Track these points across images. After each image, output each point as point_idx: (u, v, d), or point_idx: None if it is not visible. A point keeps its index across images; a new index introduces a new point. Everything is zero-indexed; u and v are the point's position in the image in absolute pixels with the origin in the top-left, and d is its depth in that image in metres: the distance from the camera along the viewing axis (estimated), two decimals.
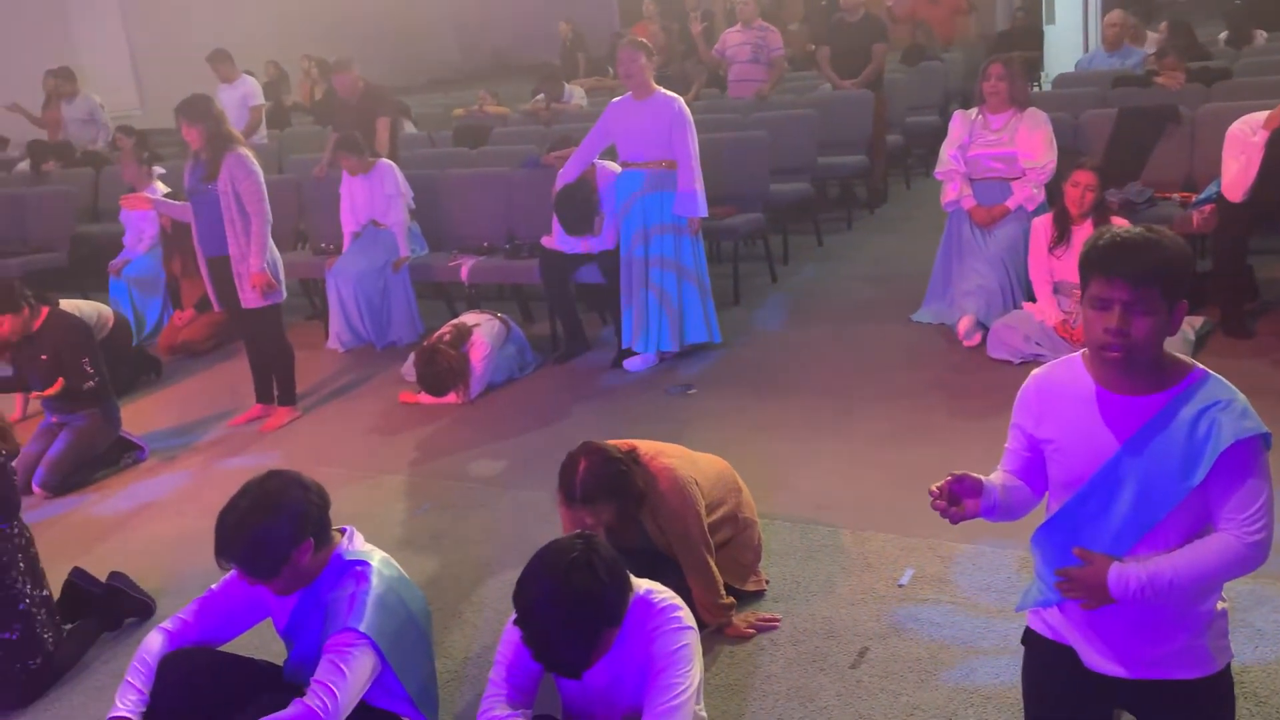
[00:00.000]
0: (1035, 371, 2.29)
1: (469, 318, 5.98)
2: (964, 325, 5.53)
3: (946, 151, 5.78)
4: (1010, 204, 5.59)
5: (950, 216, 5.85)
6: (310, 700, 2.50)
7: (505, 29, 18.77)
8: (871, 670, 3.10)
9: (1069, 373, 2.19)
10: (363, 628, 2.59)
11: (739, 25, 8.87)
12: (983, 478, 2.23)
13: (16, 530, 3.42)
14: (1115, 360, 2.02)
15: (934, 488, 2.15)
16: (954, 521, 2.18)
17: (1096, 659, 2.18)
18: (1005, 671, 3.01)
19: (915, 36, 10.81)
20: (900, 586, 3.50)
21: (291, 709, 2.50)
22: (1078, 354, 2.22)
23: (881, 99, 8.44)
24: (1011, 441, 2.33)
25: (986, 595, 3.40)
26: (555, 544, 2.43)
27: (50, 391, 5.07)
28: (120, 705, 2.61)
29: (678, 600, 2.51)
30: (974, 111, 5.75)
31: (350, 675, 2.54)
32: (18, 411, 5.95)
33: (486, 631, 3.55)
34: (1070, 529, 2.15)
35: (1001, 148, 5.61)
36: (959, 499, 2.17)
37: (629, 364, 5.87)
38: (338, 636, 2.59)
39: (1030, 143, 5.54)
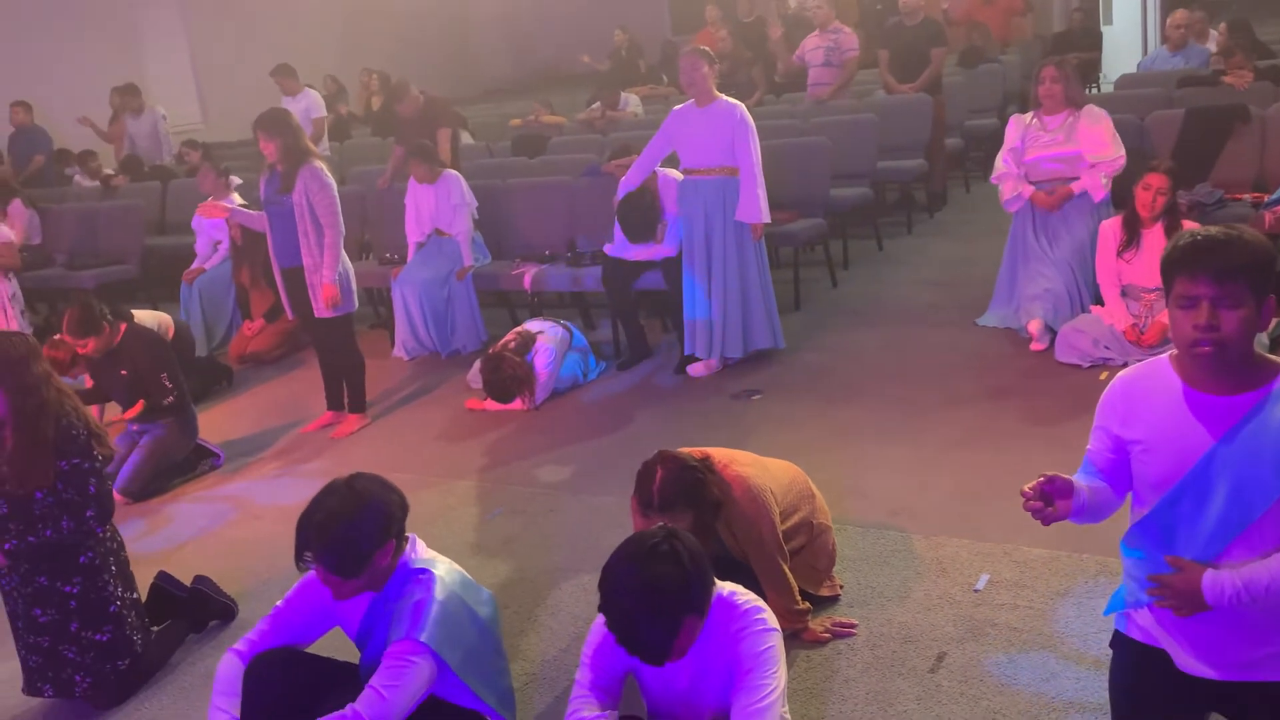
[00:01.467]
0: (1121, 373, 2.29)
1: (533, 325, 6.05)
2: (1034, 328, 5.48)
3: (1001, 156, 5.75)
4: (1075, 186, 5.50)
5: (1014, 220, 5.81)
6: (360, 706, 2.55)
7: (556, 39, 18.88)
8: (950, 675, 3.10)
9: (1156, 374, 2.19)
10: (423, 638, 2.63)
11: (816, 30, 8.87)
12: (1072, 479, 2.23)
13: (109, 534, 3.51)
14: (1206, 356, 2.02)
15: (1027, 488, 2.15)
16: (1046, 523, 2.17)
17: (1190, 661, 2.17)
18: (1086, 677, 3.00)
19: (972, 39, 10.73)
20: (976, 592, 3.49)
21: (342, 713, 2.55)
22: (1163, 356, 2.21)
23: (940, 102, 8.40)
24: (1095, 443, 2.32)
25: (1064, 601, 3.38)
26: (639, 534, 2.47)
27: (131, 414, 5.19)
28: None
29: (761, 602, 2.53)
30: (1029, 116, 5.70)
31: (404, 683, 2.59)
32: None
33: (562, 635, 3.59)
34: (1162, 530, 2.15)
35: (1059, 148, 5.54)
36: (1051, 499, 2.16)
37: (692, 370, 5.90)
38: (399, 645, 2.64)
39: (1093, 137, 5.48)
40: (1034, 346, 5.49)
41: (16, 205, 8.91)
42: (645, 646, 2.34)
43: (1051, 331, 5.46)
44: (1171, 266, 2.05)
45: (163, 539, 4.74)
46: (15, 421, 3.30)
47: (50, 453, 3.29)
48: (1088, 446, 2.34)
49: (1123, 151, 5.44)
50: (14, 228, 8.32)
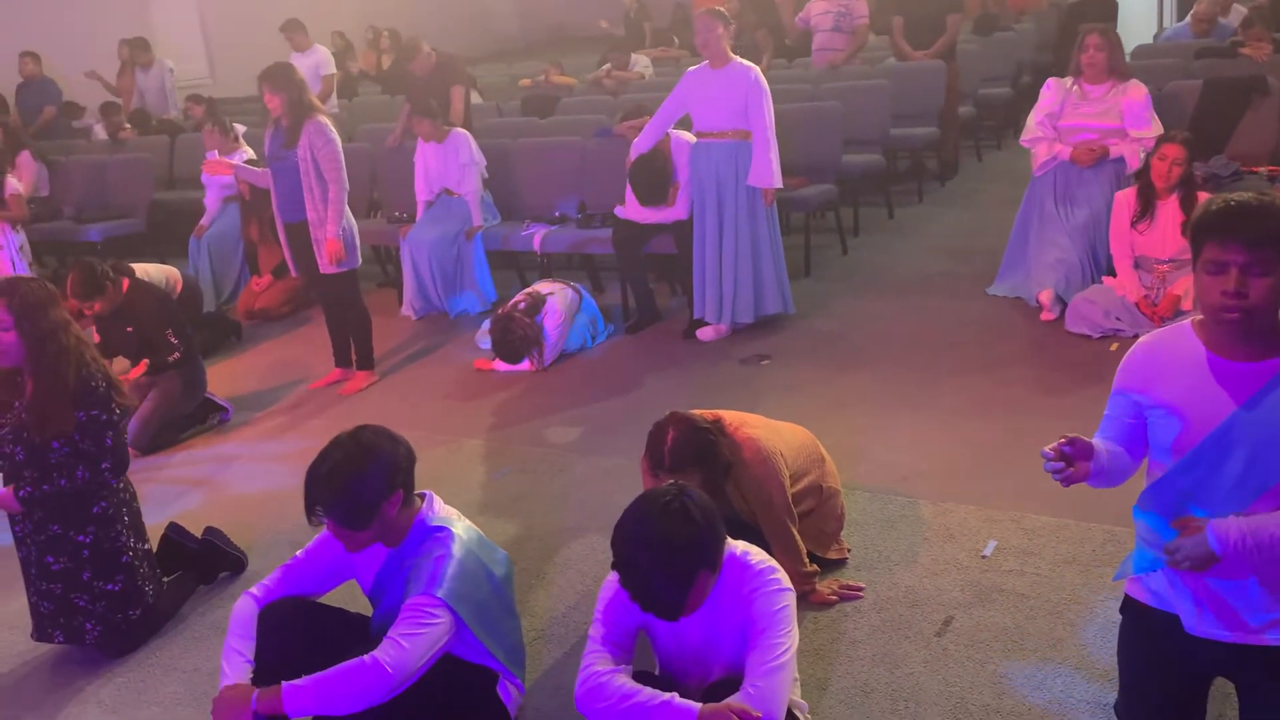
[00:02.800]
0: (1142, 339, 2.28)
1: (543, 286, 6.04)
2: (1045, 298, 5.47)
3: (1035, 118, 5.69)
4: (1113, 151, 5.47)
5: (1031, 186, 5.78)
6: (380, 654, 2.57)
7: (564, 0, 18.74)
8: (957, 639, 3.12)
9: (1178, 340, 2.19)
10: (441, 594, 2.65)
11: None
12: (1091, 441, 2.23)
13: (122, 485, 3.52)
14: (1233, 322, 2.02)
15: (1048, 449, 2.15)
16: (1066, 484, 2.17)
17: (1203, 624, 2.18)
18: (1093, 642, 3.02)
19: (987, 6, 10.64)
20: (984, 558, 3.51)
21: (361, 659, 2.57)
22: (1186, 321, 2.21)
23: (954, 70, 8.33)
24: (1112, 408, 2.32)
25: (1071, 568, 3.40)
26: (652, 490, 2.48)
27: (138, 371, 5.20)
28: (229, 673, 2.68)
29: (774, 562, 2.54)
30: (1069, 81, 5.64)
31: (421, 637, 2.60)
32: None
33: (570, 592, 3.62)
34: (1178, 494, 2.15)
35: (1101, 120, 5.50)
36: (1072, 460, 2.16)
37: (701, 334, 5.89)
38: (417, 599, 2.65)
39: (1135, 112, 5.44)
40: (1044, 316, 5.48)
41: (25, 157, 8.87)
42: (658, 602, 2.36)
43: (1062, 302, 5.45)
44: (1202, 231, 2.04)
45: (172, 491, 4.76)
46: (34, 367, 3.30)
47: (70, 400, 3.29)
48: (1105, 411, 2.34)
49: (1160, 130, 5.38)
50: (22, 180, 8.29)
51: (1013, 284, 5.89)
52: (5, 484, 3.40)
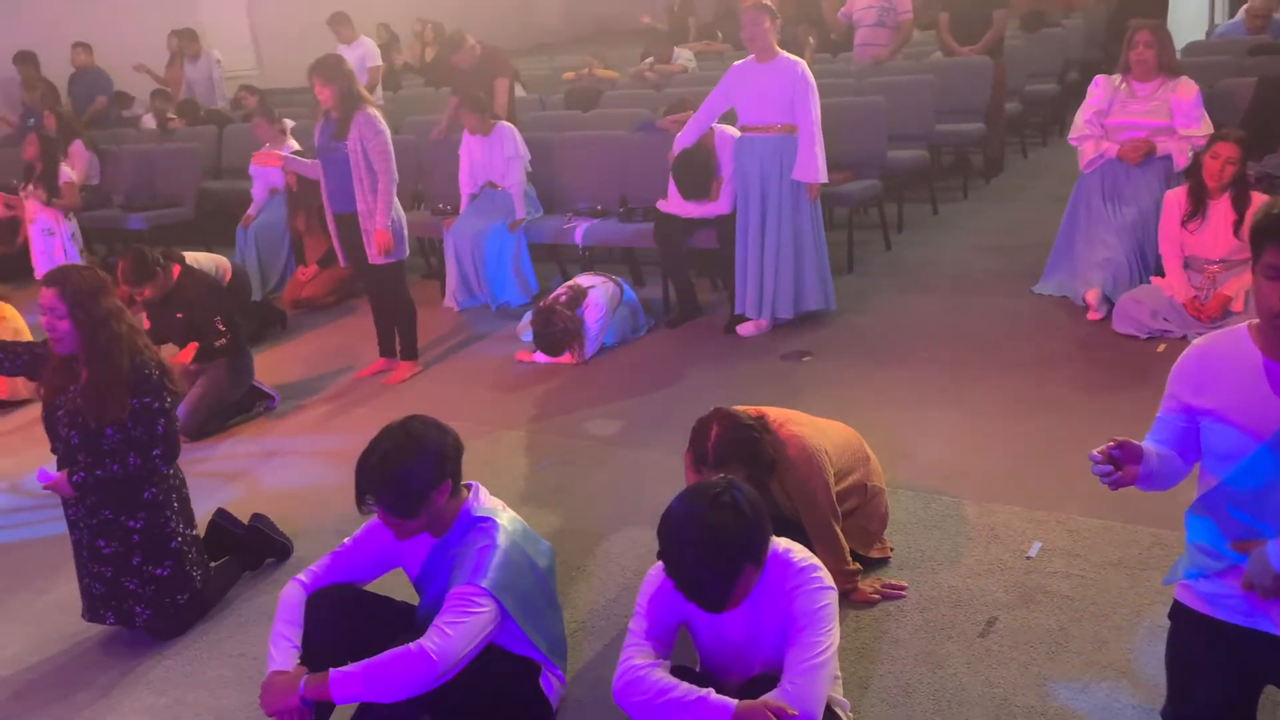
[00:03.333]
0: (1196, 341, 2.26)
1: (584, 280, 6.05)
2: (1092, 297, 5.41)
3: (1083, 116, 5.62)
4: (1160, 148, 5.41)
5: (1077, 185, 5.72)
6: (425, 642, 2.59)
7: None
8: (1000, 640, 3.10)
9: (1233, 344, 2.16)
10: (485, 584, 2.67)
11: None
12: (1141, 444, 2.21)
13: (172, 472, 3.58)
14: None
15: (1096, 452, 2.13)
16: (1114, 487, 2.16)
17: (1257, 616, 2.15)
18: (1139, 647, 2.99)
19: (1035, 2, 10.52)
20: (1028, 559, 3.48)
21: (407, 647, 2.60)
22: (1242, 325, 2.18)
23: (1000, 65, 8.25)
24: (1165, 411, 2.30)
25: (1118, 571, 3.36)
26: (700, 483, 2.49)
27: (186, 356, 5.28)
28: (276, 658, 2.71)
29: (816, 560, 2.54)
30: (1118, 78, 5.57)
31: (466, 626, 2.62)
32: None
33: (611, 585, 3.63)
34: (1231, 502, 2.13)
35: (1150, 118, 5.43)
36: (1120, 464, 2.14)
37: (742, 329, 5.89)
38: (462, 588, 2.67)
39: (1185, 110, 5.37)
40: (1090, 316, 5.42)
41: (78, 146, 9.01)
42: (704, 593, 2.36)
43: (1109, 301, 5.39)
44: (1263, 234, 2.01)
45: (219, 478, 4.83)
46: (89, 354, 3.36)
47: (125, 386, 3.35)
48: (1157, 413, 2.32)
49: (1211, 129, 5.30)
50: (74, 168, 8.42)
51: (1059, 282, 5.83)
52: (60, 468, 3.47)
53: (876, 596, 3.33)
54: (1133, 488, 2.21)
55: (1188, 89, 5.40)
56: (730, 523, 2.34)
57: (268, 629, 2.83)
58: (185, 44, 11.50)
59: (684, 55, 10.81)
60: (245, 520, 4.01)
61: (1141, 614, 3.13)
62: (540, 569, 2.89)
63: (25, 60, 10.89)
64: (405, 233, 5.60)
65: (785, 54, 5.57)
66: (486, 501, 2.90)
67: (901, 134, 7.31)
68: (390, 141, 5.38)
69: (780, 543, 2.55)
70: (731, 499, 2.37)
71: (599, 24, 19.18)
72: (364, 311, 6.25)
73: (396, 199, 5.47)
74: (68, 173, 7.83)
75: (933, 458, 4.24)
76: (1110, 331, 5.23)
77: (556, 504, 4.25)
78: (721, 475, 2.56)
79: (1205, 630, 2.26)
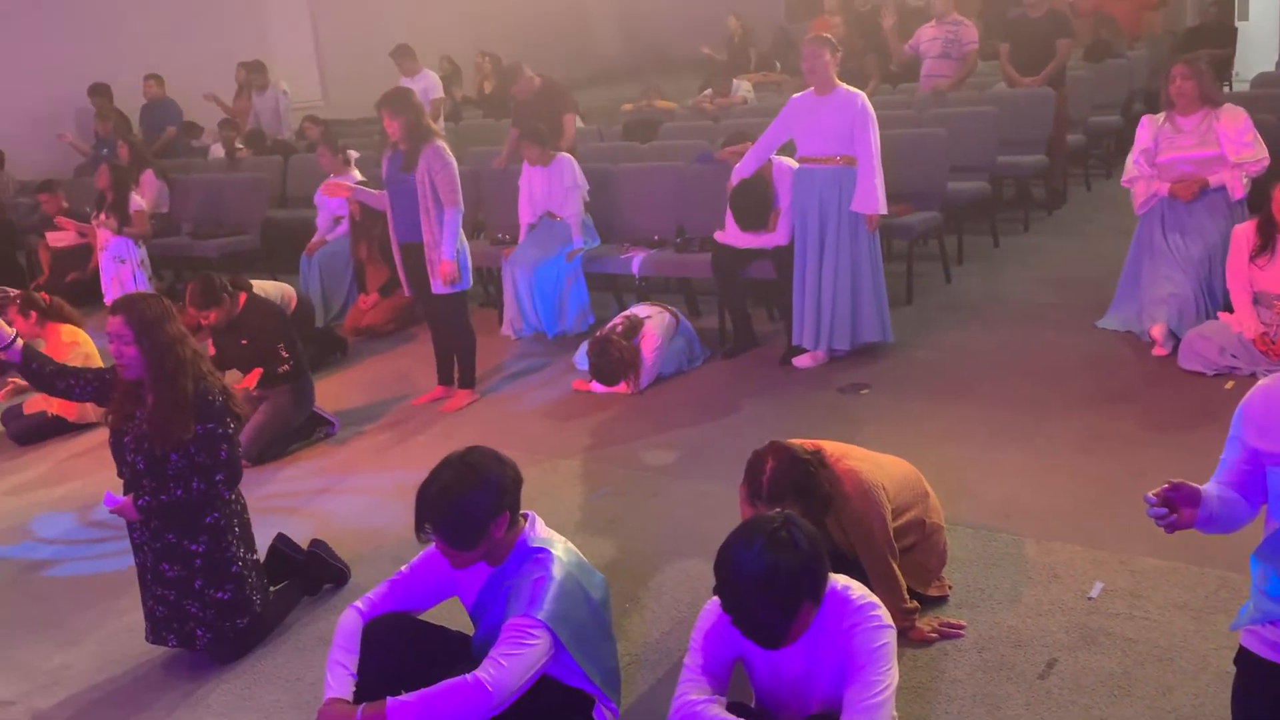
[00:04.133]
0: (1261, 383, 2.22)
1: (640, 310, 6.08)
2: (1158, 333, 5.32)
3: (1131, 157, 5.59)
4: (1213, 180, 5.32)
5: (1142, 220, 5.64)
6: (481, 673, 2.60)
7: (669, 24, 18.86)
8: (1061, 682, 3.04)
9: None
10: (541, 615, 2.67)
11: (934, 20, 8.73)
12: (1200, 487, 2.17)
13: (234, 497, 3.64)
14: None
15: (1151, 495, 2.09)
16: (1170, 530, 2.12)
17: None
18: (1205, 693, 2.91)
19: (1099, 32, 10.42)
20: (1090, 600, 3.41)
21: (463, 678, 2.61)
22: None
23: (1063, 97, 8.18)
24: (1229, 452, 2.25)
25: (1182, 614, 3.29)
26: (758, 517, 2.48)
27: (250, 382, 5.39)
28: (333, 685, 2.73)
29: (875, 598, 2.51)
30: (1160, 117, 5.52)
31: (522, 657, 2.63)
32: None
33: (665, 618, 3.62)
34: None
35: (1196, 150, 5.36)
36: (1177, 507, 2.11)
37: (798, 361, 5.86)
38: (518, 620, 2.68)
39: (1234, 137, 5.28)
40: (1156, 352, 5.33)
41: (149, 175, 9.25)
42: (762, 630, 2.34)
43: (1175, 337, 5.29)
44: None
45: (279, 503, 4.90)
46: (154, 379, 3.43)
47: (190, 411, 3.42)
48: (1222, 454, 2.27)
49: (1266, 153, 5.22)
50: (145, 197, 8.65)
51: (1124, 317, 5.74)
52: (125, 492, 3.54)
53: (934, 635, 3.28)
54: (1192, 530, 2.17)
55: (1233, 115, 5.31)
56: (788, 559, 2.32)
57: (324, 655, 2.86)
58: (253, 75, 11.78)
59: (743, 86, 10.86)
60: (304, 545, 4.06)
61: (1207, 659, 3.05)
62: (595, 600, 2.89)
63: (99, 92, 11.24)
64: (469, 263, 5.67)
65: (845, 86, 5.57)
66: (542, 532, 2.91)
67: (962, 165, 7.26)
68: (457, 173, 5.47)
69: (839, 579, 2.53)
70: (789, 535, 2.35)
71: (658, 54, 19.29)
72: (423, 339, 6.32)
73: (461, 230, 5.54)
74: (138, 201, 8.04)
75: (993, 494, 4.18)
76: (1176, 368, 5.13)
77: (610, 534, 4.26)
78: (778, 510, 2.54)
79: (1272, 677, 2.20)
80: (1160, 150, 5.46)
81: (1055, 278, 6.85)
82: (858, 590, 2.51)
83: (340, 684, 2.74)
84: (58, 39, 12.19)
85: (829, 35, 5.69)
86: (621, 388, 5.79)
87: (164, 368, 3.43)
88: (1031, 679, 3.07)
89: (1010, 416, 4.90)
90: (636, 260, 6.76)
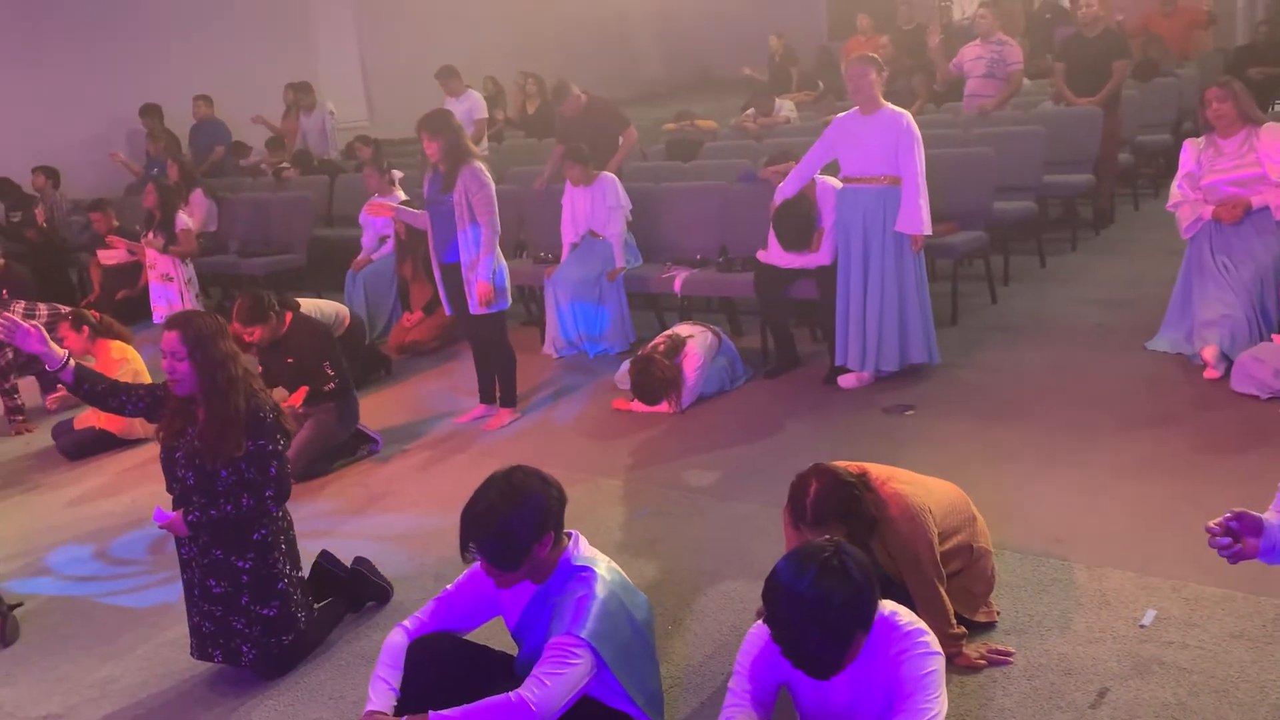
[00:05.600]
0: None
1: (683, 329, 6.07)
2: (1209, 355, 5.22)
3: (1175, 182, 5.53)
4: (1256, 201, 5.24)
5: (1190, 243, 5.55)
6: (524, 691, 2.60)
7: (711, 43, 18.92)
8: (1113, 712, 2.98)
9: None
10: (584, 634, 2.67)
11: (978, 40, 8.68)
12: (1262, 516, 2.12)
13: (281, 514, 3.66)
14: None
15: (1213, 524, 2.05)
16: (1233, 561, 2.08)
17: None
18: None
19: (1148, 51, 10.31)
20: (1142, 627, 3.35)
21: (506, 696, 2.61)
22: None
23: (1116, 117, 8.09)
24: None
25: (1239, 643, 3.21)
26: (808, 545, 2.45)
27: (296, 399, 5.44)
28: (374, 699, 2.75)
29: (923, 624, 2.48)
30: (1201, 140, 5.45)
31: (565, 676, 2.62)
32: None
33: (708, 640, 3.59)
34: None
35: (1239, 170, 5.28)
36: (1240, 537, 2.06)
37: (843, 381, 5.82)
38: (560, 639, 2.68)
39: (1275, 155, 5.19)
40: (1208, 374, 5.23)
41: (198, 195, 9.39)
42: (812, 660, 2.32)
43: (1227, 359, 5.19)
44: None
45: (323, 520, 4.93)
46: (206, 395, 3.46)
47: (241, 427, 3.45)
48: None
49: None
50: (194, 216, 8.77)
51: (1174, 339, 5.65)
52: (175, 508, 3.57)
53: (982, 662, 3.23)
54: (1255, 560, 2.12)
55: (1274, 133, 5.23)
56: (841, 589, 2.29)
57: (366, 673, 2.87)
58: (301, 96, 11.93)
59: (786, 106, 10.84)
60: (348, 562, 4.08)
61: (1266, 690, 2.98)
62: (638, 621, 2.88)
63: (150, 113, 11.44)
64: (507, 284, 5.68)
65: (890, 106, 5.54)
66: (586, 551, 2.91)
67: (1009, 185, 7.20)
68: (494, 194, 5.49)
69: (886, 605, 2.50)
70: (840, 564, 2.32)
71: (701, 74, 19.36)
72: (466, 357, 6.35)
73: (499, 250, 5.56)
74: (185, 220, 8.15)
75: (1042, 519, 4.12)
76: (1229, 390, 5.04)
77: (652, 555, 4.24)
78: (827, 537, 2.51)
79: None
80: (1203, 173, 5.39)
81: (1103, 298, 6.76)
82: (905, 616, 2.47)
83: (382, 698, 2.75)
84: (111, 61, 12.43)
85: (874, 55, 5.65)
86: (663, 407, 5.77)
87: (216, 383, 3.46)
88: (1083, 708, 3.01)
89: (1059, 439, 4.83)
90: (679, 279, 6.75)
